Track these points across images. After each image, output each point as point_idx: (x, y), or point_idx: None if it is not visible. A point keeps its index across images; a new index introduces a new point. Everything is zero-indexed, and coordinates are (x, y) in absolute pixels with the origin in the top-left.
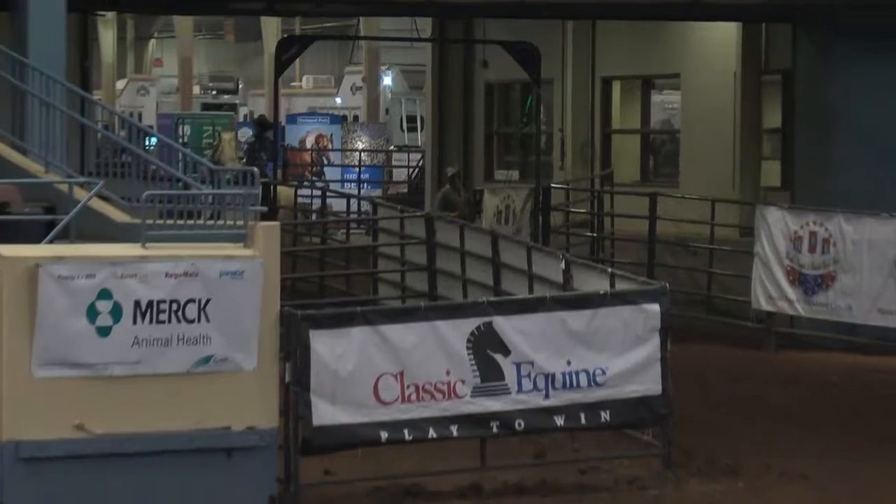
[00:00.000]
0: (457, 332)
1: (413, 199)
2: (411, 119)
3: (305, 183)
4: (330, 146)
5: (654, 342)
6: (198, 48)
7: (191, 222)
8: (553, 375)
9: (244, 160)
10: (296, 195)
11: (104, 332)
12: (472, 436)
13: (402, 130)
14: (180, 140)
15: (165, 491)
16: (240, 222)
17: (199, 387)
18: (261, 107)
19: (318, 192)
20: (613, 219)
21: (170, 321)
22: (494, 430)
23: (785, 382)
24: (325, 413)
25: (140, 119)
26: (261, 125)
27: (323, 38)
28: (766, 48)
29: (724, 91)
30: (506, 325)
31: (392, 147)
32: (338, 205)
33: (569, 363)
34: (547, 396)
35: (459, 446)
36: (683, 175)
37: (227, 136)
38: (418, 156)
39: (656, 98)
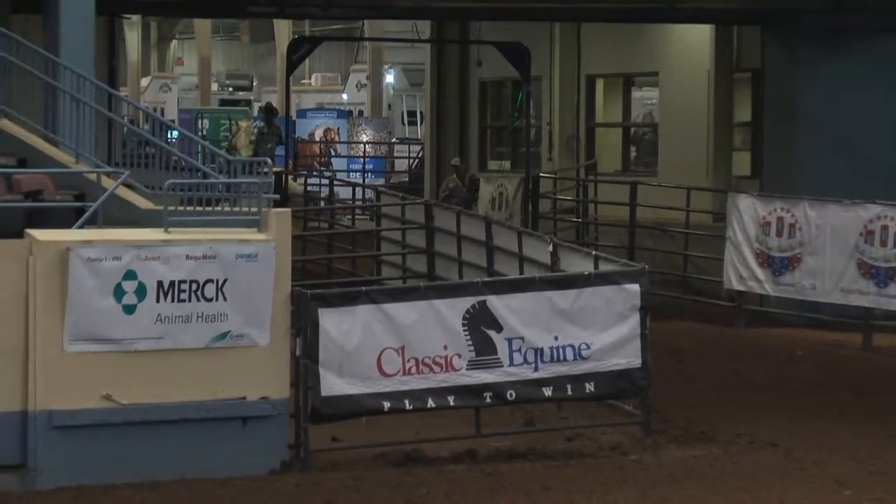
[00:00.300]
0: (453, 309)
1: (413, 187)
2: (412, 113)
3: (314, 173)
4: (337, 139)
5: (635, 319)
6: (216, 48)
7: (209, 209)
8: (542, 350)
9: (255, 143)
10: (306, 184)
11: (129, 309)
12: (467, 405)
13: (403, 124)
14: (199, 133)
15: (186, 456)
16: (254, 209)
17: (216, 360)
18: (273, 102)
19: (326, 181)
20: (597, 205)
21: (190, 300)
22: (488, 400)
23: (754, 356)
24: (332, 384)
25: (162, 114)
26: (268, 112)
27: (330, 39)
28: (738, 48)
29: (698, 88)
30: (498, 304)
31: (394, 139)
32: (344, 193)
33: (556, 338)
34: (536, 369)
35: (456, 415)
36: (661, 165)
37: (243, 124)
38: (418, 147)
39: (636, 94)
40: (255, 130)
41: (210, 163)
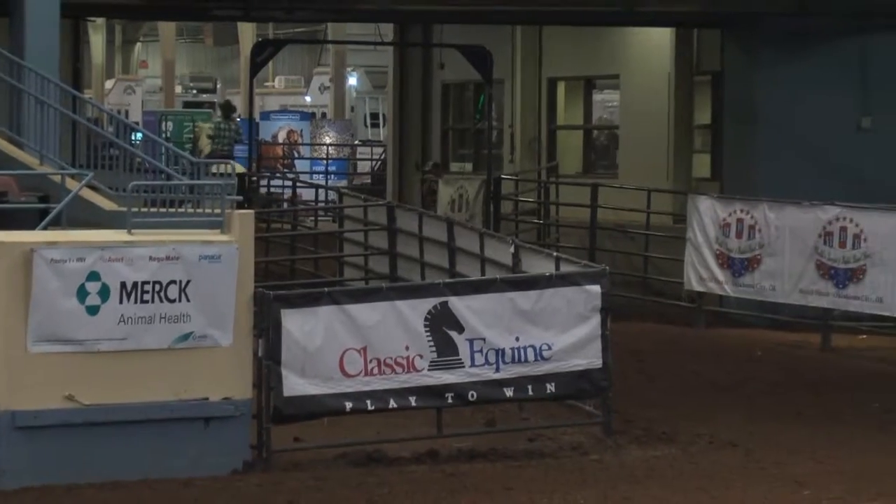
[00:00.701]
0: (415, 310)
1: (376, 188)
2: (374, 116)
3: (277, 175)
4: (300, 141)
5: (596, 320)
6: (180, 51)
7: (173, 210)
8: (503, 350)
9: (212, 139)
10: (269, 187)
11: (93, 310)
12: (428, 406)
13: (366, 126)
14: (163, 135)
15: (149, 456)
16: (217, 210)
17: (179, 361)
18: (237, 105)
19: (289, 183)
20: (558, 207)
21: (153, 301)
22: (449, 400)
23: (714, 357)
24: (294, 385)
25: (127, 116)
26: (226, 108)
27: (294, 42)
28: (698, 51)
29: (659, 90)
30: (460, 305)
31: (356, 141)
32: (307, 194)
33: (517, 339)
34: (497, 370)
35: (417, 415)
36: (622, 167)
37: (204, 125)
38: (380, 149)
39: (597, 97)
40: (213, 125)
41: (174, 164)
